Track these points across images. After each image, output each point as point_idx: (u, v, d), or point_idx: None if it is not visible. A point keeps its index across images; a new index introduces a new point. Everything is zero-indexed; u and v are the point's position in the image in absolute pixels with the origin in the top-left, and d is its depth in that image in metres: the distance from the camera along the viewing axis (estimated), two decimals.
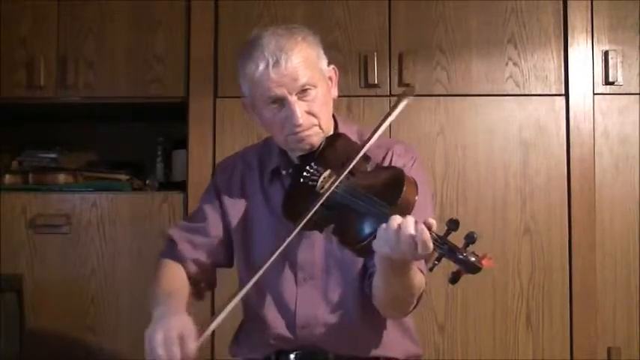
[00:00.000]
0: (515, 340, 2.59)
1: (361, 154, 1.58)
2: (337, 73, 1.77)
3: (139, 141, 3.01)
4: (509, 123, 2.65)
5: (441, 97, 2.66)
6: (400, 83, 2.64)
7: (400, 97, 1.64)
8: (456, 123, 2.65)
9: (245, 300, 1.81)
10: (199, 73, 2.68)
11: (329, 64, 1.74)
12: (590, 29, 2.65)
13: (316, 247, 1.71)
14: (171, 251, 1.82)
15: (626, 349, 2.57)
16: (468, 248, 1.33)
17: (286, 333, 1.71)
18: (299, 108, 1.63)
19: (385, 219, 1.40)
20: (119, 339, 2.63)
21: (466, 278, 2.66)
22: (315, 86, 1.66)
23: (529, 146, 2.64)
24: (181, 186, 2.72)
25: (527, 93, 2.66)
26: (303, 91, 1.64)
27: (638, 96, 2.64)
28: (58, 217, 2.67)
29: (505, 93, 2.66)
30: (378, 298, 1.64)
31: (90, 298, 2.65)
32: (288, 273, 1.72)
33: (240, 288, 1.83)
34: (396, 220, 1.38)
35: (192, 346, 1.46)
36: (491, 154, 2.64)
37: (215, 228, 1.80)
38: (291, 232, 1.51)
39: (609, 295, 2.59)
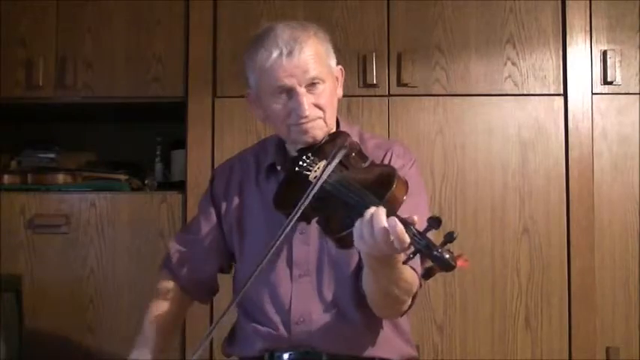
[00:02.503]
0: (513, 340, 2.59)
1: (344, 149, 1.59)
2: (344, 73, 1.79)
3: (138, 141, 3.01)
4: (507, 123, 2.65)
5: (440, 97, 2.66)
6: (399, 83, 2.64)
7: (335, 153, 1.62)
8: (455, 123, 2.65)
9: (239, 300, 1.82)
10: (198, 73, 2.68)
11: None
12: (588, 29, 2.65)
13: (311, 243, 1.72)
14: (168, 265, 1.88)
15: (625, 348, 2.57)
16: (445, 246, 1.33)
17: (281, 329, 1.71)
18: (306, 100, 1.65)
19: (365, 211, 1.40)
20: (118, 339, 2.62)
21: (464, 278, 2.68)
22: (323, 81, 1.68)
23: (528, 146, 2.64)
24: (180, 186, 2.72)
25: (525, 93, 2.66)
26: (311, 84, 1.66)
27: (636, 96, 2.64)
28: (56, 217, 2.67)
29: (504, 93, 2.66)
30: (369, 295, 1.64)
31: (89, 298, 2.65)
32: (283, 269, 1.73)
33: (236, 285, 1.84)
34: (369, 212, 1.39)
35: None
36: (489, 154, 2.64)
37: (208, 239, 1.84)
38: (285, 224, 1.52)
39: (608, 295, 2.59)
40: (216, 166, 2.59)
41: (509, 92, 2.66)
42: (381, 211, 1.37)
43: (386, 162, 1.74)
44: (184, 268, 1.85)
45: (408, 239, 1.34)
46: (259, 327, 1.74)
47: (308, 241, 1.72)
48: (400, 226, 1.34)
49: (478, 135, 2.65)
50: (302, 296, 1.71)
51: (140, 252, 2.66)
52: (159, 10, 2.71)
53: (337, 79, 1.75)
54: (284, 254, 1.73)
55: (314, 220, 1.56)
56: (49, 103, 2.74)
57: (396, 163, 1.73)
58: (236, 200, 1.82)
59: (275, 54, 1.64)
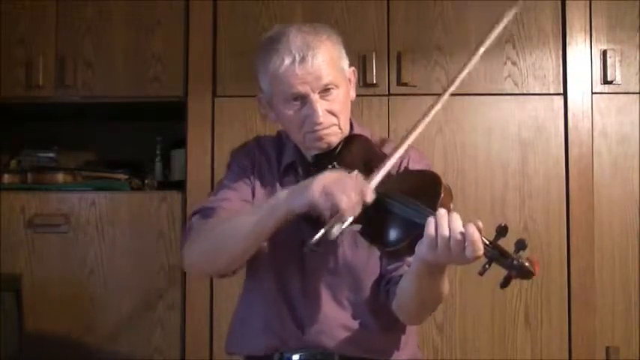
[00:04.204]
0: (513, 340, 2.59)
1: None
2: (356, 75, 1.77)
3: (138, 140, 3.00)
4: (507, 122, 2.65)
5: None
6: (399, 82, 2.64)
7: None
8: (455, 122, 2.65)
9: (248, 297, 1.81)
10: (198, 72, 2.68)
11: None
12: (588, 28, 2.65)
13: (327, 245, 1.70)
14: (214, 213, 1.70)
15: (625, 348, 2.57)
16: (519, 253, 1.33)
17: (293, 329, 1.69)
18: (320, 106, 1.63)
19: (424, 221, 1.39)
20: (118, 338, 2.63)
21: (464, 278, 2.67)
22: (337, 86, 1.66)
23: (528, 145, 2.64)
24: (180, 185, 2.72)
25: (525, 92, 2.66)
26: (325, 90, 1.64)
27: (636, 95, 2.64)
28: (56, 216, 2.67)
29: (504, 92, 2.66)
30: (403, 304, 1.63)
31: (89, 297, 2.65)
32: (296, 271, 1.70)
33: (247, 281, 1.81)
34: (444, 221, 1.38)
35: (366, 185, 1.46)
36: (489, 154, 2.64)
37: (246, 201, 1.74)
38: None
39: (608, 294, 2.59)
40: (215, 165, 2.61)
41: (509, 92, 2.66)
42: (458, 221, 1.37)
43: (403, 167, 1.73)
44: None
45: (482, 248, 1.34)
46: (269, 325, 1.72)
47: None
48: (477, 233, 1.33)
49: (478, 134, 2.65)
50: (315, 297, 1.69)
51: (140, 251, 2.66)
52: (159, 10, 2.71)
53: (350, 80, 1.73)
54: (299, 255, 1.70)
55: (356, 231, 1.53)
56: (49, 102, 2.74)
57: (413, 168, 1.72)
58: (258, 183, 1.76)
59: (287, 61, 1.61)
